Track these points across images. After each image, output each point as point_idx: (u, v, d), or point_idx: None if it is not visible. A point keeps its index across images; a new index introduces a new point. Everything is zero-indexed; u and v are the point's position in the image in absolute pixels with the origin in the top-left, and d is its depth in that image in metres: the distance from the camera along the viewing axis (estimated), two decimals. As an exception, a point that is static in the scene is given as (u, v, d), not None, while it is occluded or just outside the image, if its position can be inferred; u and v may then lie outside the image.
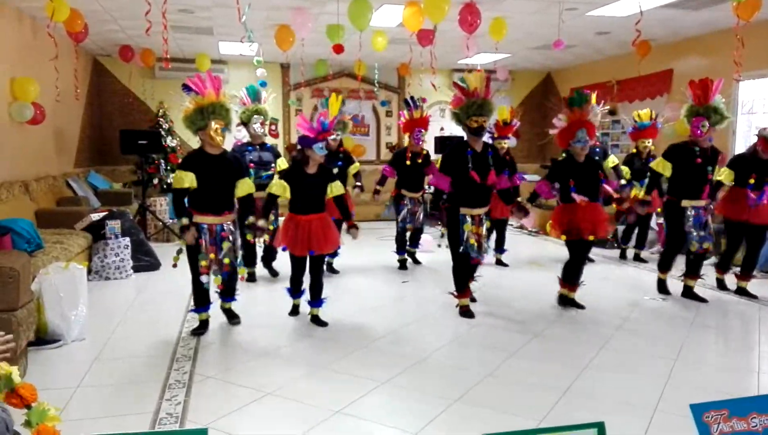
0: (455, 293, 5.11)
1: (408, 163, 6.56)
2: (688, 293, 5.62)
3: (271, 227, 4.92)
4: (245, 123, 6.07)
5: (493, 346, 4.31)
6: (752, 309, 5.31)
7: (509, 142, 7.04)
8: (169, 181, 9.67)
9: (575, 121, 5.02)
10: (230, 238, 4.53)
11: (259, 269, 6.46)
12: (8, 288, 3.61)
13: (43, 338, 4.19)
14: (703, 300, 5.52)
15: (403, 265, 6.92)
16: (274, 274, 6.48)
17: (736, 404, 1.75)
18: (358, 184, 6.67)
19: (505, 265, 7.14)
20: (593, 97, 6.65)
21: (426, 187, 6.81)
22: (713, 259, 7.00)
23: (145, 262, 6.73)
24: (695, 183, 5.31)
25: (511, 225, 10.21)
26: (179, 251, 4.51)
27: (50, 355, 4.08)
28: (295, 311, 5.02)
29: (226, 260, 4.51)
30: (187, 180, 4.35)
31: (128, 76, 10.51)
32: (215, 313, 4.77)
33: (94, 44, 9.28)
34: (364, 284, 6.21)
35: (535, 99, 12.53)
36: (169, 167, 9.81)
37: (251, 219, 4.66)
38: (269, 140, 6.41)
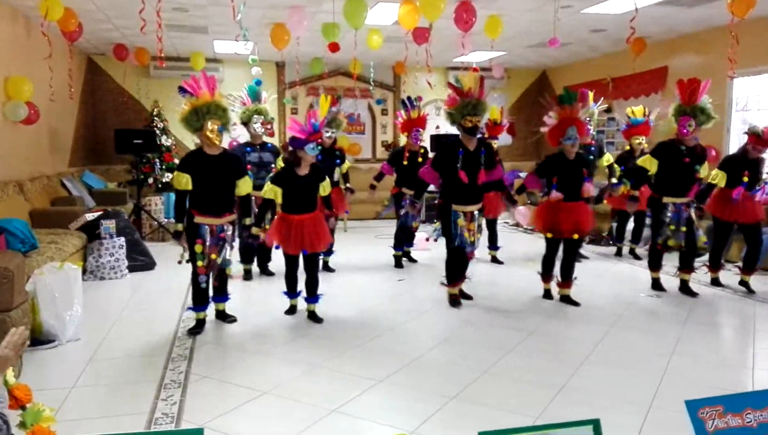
0: (446, 283, 5.31)
1: (405, 163, 6.57)
2: (684, 288, 5.69)
3: (263, 233, 4.92)
4: (246, 123, 6.07)
5: (488, 343, 4.31)
6: (747, 305, 5.33)
7: (500, 141, 7.07)
8: (164, 180, 9.65)
9: (565, 119, 5.12)
10: (227, 238, 4.54)
11: (255, 268, 6.46)
12: (3, 288, 3.60)
13: (38, 339, 4.17)
14: (694, 294, 5.59)
15: (398, 263, 6.91)
16: (269, 274, 6.48)
17: (731, 400, 1.76)
18: (348, 185, 6.66)
19: (500, 262, 7.15)
20: (590, 95, 6.70)
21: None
22: (705, 258, 7.04)
23: (141, 261, 6.71)
24: (681, 181, 5.38)
25: (507, 223, 10.25)
26: (185, 249, 4.55)
27: (45, 355, 4.06)
28: (292, 311, 5.03)
29: (215, 257, 4.52)
30: (184, 181, 4.36)
31: (123, 75, 10.47)
32: (212, 313, 4.77)
33: (89, 43, 9.25)
34: (360, 282, 6.21)
35: (530, 97, 12.55)
36: (164, 166, 9.79)
37: (247, 220, 4.69)
38: (269, 140, 6.40)
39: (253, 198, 5.32)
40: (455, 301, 5.28)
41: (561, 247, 5.39)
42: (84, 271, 6.08)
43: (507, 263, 7.12)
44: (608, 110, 9.84)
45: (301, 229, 4.68)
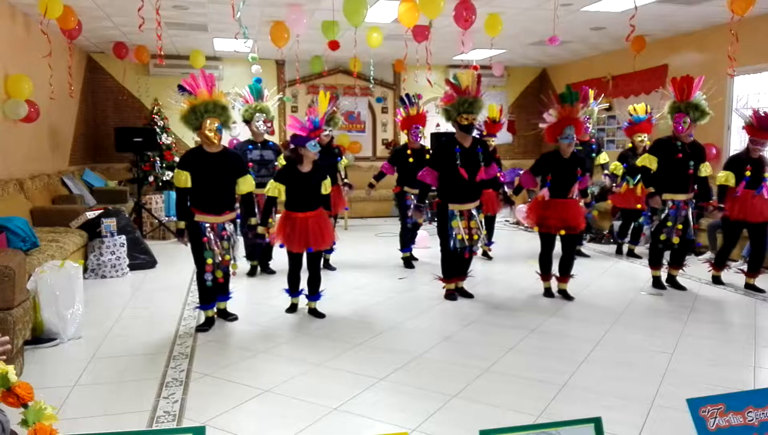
0: (442, 278, 5.44)
1: (411, 160, 6.54)
2: (672, 282, 5.79)
3: (268, 232, 4.92)
4: (248, 121, 6.06)
5: (489, 341, 4.32)
6: (748, 303, 5.34)
7: (501, 139, 7.08)
8: (164, 178, 9.65)
9: (564, 118, 5.18)
10: (228, 236, 4.55)
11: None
12: (4, 286, 3.59)
13: (40, 337, 4.18)
14: (682, 288, 5.70)
15: (408, 263, 6.85)
16: (270, 272, 6.48)
17: (732, 398, 1.76)
18: (347, 181, 6.66)
19: (490, 257, 7.13)
20: (591, 93, 6.70)
21: None
22: (708, 255, 7.04)
23: (141, 260, 6.71)
24: (676, 177, 5.42)
25: (507, 221, 10.26)
26: (186, 244, 4.59)
27: (46, 353, 4.07)
28: (292, 309, 5.03)
29: (227, 257, 4.56)
30: (184, 178, 4.36)
31: (123, 73, 10.47)
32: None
33: (88, 41, 9.24)
34: (361, 281, 6.21)
35: (530, 95, 12.55)
36: (164, 165, 9.78)
37: (253, 220, 4.70)
38: (269, 137, 6.40)
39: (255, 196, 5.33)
40: (451, 295, 5.40)
41: (560, 245, 5.43)
42: (85, 270, 6.08)
43: (507, 261, 7.13)
44: (608, 108, 9.86)
45: (306, 227, 4.68)
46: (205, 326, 4.58)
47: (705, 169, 5.48)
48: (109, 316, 4.92)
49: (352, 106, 11.67)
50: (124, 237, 6.43)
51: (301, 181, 4.69)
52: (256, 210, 4.86)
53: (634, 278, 6.31)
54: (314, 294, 4.93)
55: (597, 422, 1.65)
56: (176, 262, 6.81)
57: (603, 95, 7.52)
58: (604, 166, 7.24)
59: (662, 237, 5.53)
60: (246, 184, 4.62)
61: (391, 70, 11.83)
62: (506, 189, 6.58)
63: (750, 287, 5.72)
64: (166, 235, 8.57)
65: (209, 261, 4.44)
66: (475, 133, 5.42)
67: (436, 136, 10.56)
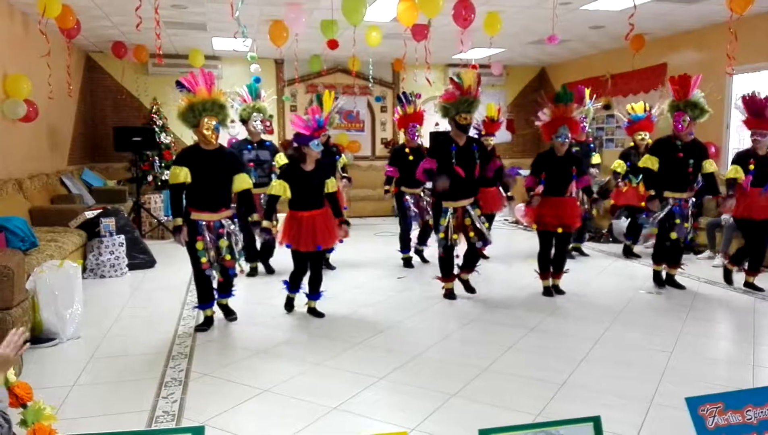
0: (440, 278, 5.45)
1: (411, 158, 6.52)
2: (670, 281, 5.78)
3: (274, 228, 4.90)
4: (245, 120, 6.06)
5: (488, 340, 4.32)
6: (748, 302, 5.34)
7: (500, 138, 7.08)
8: (163, 178, 9.64)
9: (559, 117, 5.23)
10: (228, 234, 4.53)
11: (261, 267, 6.47)
12: (3, 286, 3.60)
13: (39, 337, 4.18)
14: (680, 287, 5.71)
15: (408, 264, 6.84)
16: (270, 270, 6.48)
17: (731, 397, 1.76)
18: (346, 175, 6.64)
19: (486, 257, 7.13)
20: (587, 92, 6.70)
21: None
22: (707, 253, 7.05)
23: (141, 259, 6.71)
24: (677, 176, 5.43)
25: (506, 220, 10.26)
26: (182, 244, 4.55)
27: (45, 353, 4.06)
28: (289, 304, 5.02)
29: (227, 256, 4.53)
30: (182, 175, 4.34)
31: (121, 72, 10.45)
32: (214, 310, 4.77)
33: (87, 40, 9.23)
34: (361, 280, 6.21)
35: (529, 94, 12.54)
36: (163, 164, 9.78)
37: (255, 216, 4.66)
38: (268, 137, 6.40)
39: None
40: (450, 294, 5.42)
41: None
42: (84, 269, 6.08)
43: (506, 260, 7.13)
44: (607, 107, 9.86)
45: (313, 226, 4.67)
46: (204, 326, 4.58)
47: (709, 166, 5.48)
48: (108, 315, 4.92)
49: (351, 105, 11.66)
50: (123, 237, 6.43)
51: (305, 180, 4.69)
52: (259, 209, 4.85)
53: (633, 277, 6.31)
54: (315, 293, 4.92)
55: (596, 421, 1.65)
56: (175, 262, 6.80)
57: (601, 94, 7.51)
58: (594, 166, 7.24)
59: (672, 235, 5.47)
60: (242, 182, 4.60)
61: (390, 69, 11.82)
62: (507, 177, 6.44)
63: (749, 286, 5.70)
64: (165, 234, 8.57)
65: (203, 259, 4.43)
66: (473, 132, 5.43)
67: (435, 136, 10.55)
